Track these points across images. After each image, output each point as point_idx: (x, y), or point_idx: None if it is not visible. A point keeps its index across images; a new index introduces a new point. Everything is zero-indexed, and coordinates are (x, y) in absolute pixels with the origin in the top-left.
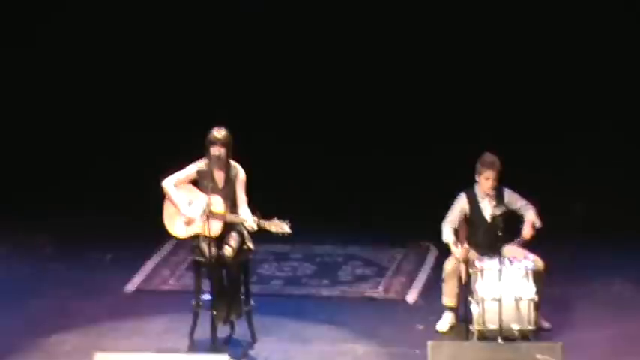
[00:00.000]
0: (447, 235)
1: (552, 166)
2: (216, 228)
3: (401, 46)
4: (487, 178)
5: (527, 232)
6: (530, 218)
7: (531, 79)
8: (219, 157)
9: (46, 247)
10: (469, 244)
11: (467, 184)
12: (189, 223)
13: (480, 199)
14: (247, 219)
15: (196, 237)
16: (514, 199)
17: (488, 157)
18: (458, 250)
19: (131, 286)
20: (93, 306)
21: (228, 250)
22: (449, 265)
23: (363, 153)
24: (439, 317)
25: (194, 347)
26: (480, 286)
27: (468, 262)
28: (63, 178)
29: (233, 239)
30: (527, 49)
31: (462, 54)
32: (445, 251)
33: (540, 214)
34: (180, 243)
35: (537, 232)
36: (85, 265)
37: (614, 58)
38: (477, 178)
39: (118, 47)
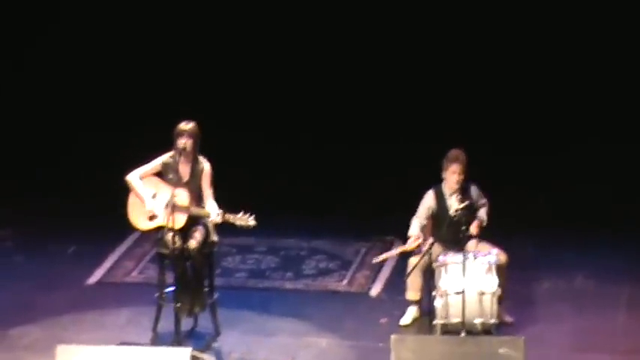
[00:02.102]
0: (412, 229)
1: (516, 161)
2: (180, 221)
3: (375, 39)
4: (453, 172)
5: (473, 229)
6: (480, 216)
7: (499, 77)
8: (185, 149)
9: (7, 240)
10: (434, 238)
11: (432, 180)
12: (152, 218)
13: (447, 196)
14: (212, 212)
15: (160, 229)
16: (478, 195)
17: (454, 151)
18: (411, 243)
19: (94, 279)
20: (55, 299)
21: (192, 243)
22: (413, 259)
23: (328, 147)
24: (403, 311)
25: (157, 340)
26: (443, 281)
27: (431, 256)
28: (25, 171)
29: (198, 232)
30: (498, 46)
31: (431, 51)
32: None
33: (504, 209)
34: (144, 235)
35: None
36: (47, 258)
37: (577, 52)
38: (443, 175)
39: (87, 41)
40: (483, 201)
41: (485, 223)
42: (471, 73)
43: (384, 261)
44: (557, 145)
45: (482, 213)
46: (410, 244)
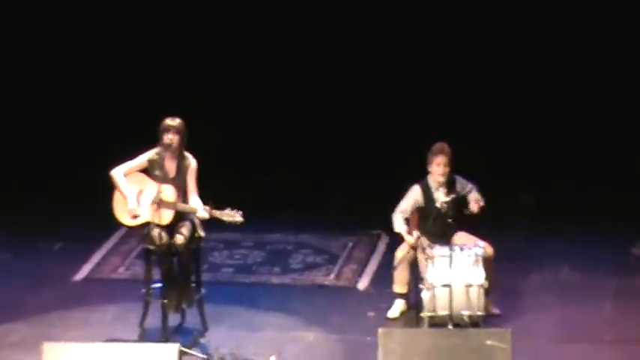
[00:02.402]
0: (399, 225)
1: (503, 154)
2: (167, 216)
3: (361, 36)
4: (438, 165)
5: (473, 206)
6: (475, 197)
7: (489, 73)
8: (171, 145)
9: None
10: (420, 231)
11: (418, 174)
12: (135, 217)
13: (433, 190)
14: (198, 208)
15: (147, 225)
16: (463, 184)
17: (438, 144)
18: (411, 238)
19: (80, 276)
20: (42, 296)
21: (179, 239)
22: (400, 252)
23: (315, 142)
24: (390, 304)
25: (145, 336)
26: (430, 274)
27: (417, 249)
28: (11, 168)
29: (184, 227)
30: (483, 40)
31: (416, 48)
32: (396, 239)
33: (491, 202)
34: (131, 231)
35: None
36: (34, 256)
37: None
38: (429, 169)
39: (71, 37)
40: (470, 186)
41: (482, 202)
42: (460, 69)
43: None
44: (543, 139)
45: (475, 194)
46: (409, 240)
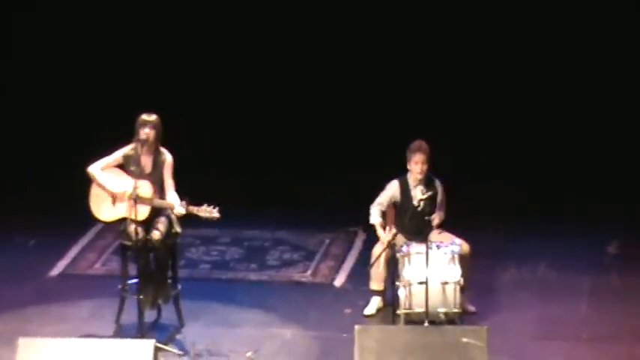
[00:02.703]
0: (375, 217)
1: (479, 153)
2: (143, 212)
3: (345, 34)
4: (416, 162)
5: (435, 219)
6: (439, 214)
7: (465, 68)
8: (147, 140)
9: None
10: (397, 228)
11: (397, 172)
12: (120, 199)
13: (411, 187)
14: (175, 204)
15: (123, 221)
16: (442, 195)
17: (416, 142)
18: (384, 234)
19: (56, 271)
20: (17, 291)
21: (156, 234)
22: (377, 250)
23: (293, 139)
24: (367, 301)
25: (120, 332)
26: (407, 271)
27: (394, 246)
28: None
29: (161, 223)
30: (465, 37)
31: (398, 47)
32: (373, 236)
33: (467, 199)
34: (107, 227)
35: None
36: (10, 251)
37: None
38: (408, 167)
39: (53, 37)
40: (440, 204)
41: (442, 219)
42: (440, 67)
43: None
44: (520, 136)
45: (440, 212)
46: (386, 236)
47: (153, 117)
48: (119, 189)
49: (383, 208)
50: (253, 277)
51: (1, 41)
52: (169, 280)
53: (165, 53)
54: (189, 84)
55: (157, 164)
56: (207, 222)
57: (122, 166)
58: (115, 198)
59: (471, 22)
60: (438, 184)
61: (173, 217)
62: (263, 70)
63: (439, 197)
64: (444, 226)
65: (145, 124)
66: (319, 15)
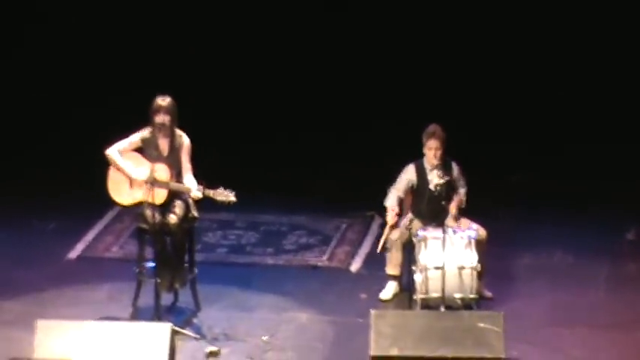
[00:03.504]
0: (390, 200)
1: (495, 137)
2: (160, 196)
3: (351, 26)
4: (430, 148)
5: (452, 208)
6: (459, 196)
7: (478, 57)
8: (163, 125)
9: None
10: (413, 213)
11: (414, 157)
12: (139, 185)
13: (427, 171)
14: (192, 187)
15: (140, 204)
16: (459, 175)
17: (431, 127)
18: (391, 217)
19: (74, 254)
20: (35, 274)
21: (172, 218)
22: (394, 234)
23: (311, 126)
24: (383, 286)
25: (137, 316)
26: (423, 256)
27: (410, 230)
28: (5, 149)
29: (178, 207)
30: (478, 31)
31: (407, 36)
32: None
33: (483, 185)
34: (125, 210)
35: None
36: (28, 234)
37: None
38: (424, 151)
39: (64, 24)
40: (462, 182)
41: (463, 205)
42: (454, 57)
43: (385, 243)
44: (542, 127)
45: (462, 193)
46: (391, 220)
47: (167, 101)
48: (136, 174)
49: (400, 194)
50: (270, 261)
51: (19, 31)
52: (186, 264)
53: (184, 40)
54: (206, 69)
55: (175, 147)
56: (224, 206)
57: (140, 149)
58: (132, 182)
59: (491, 20)
60: (454, 166)
61: (190, 201)
62: (277, 62)
63: (456, 178)
64: (466, 203)
65: (160, 109)
66: (335, 6)
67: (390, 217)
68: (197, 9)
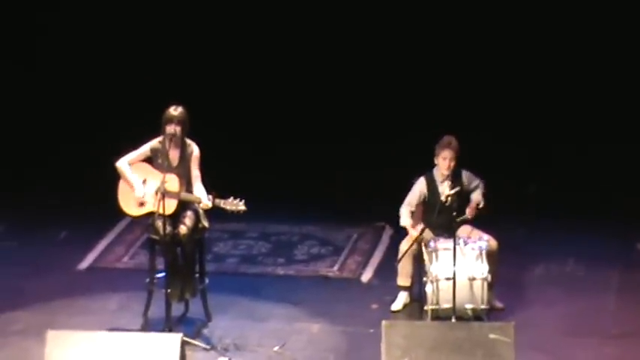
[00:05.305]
0: (405, 219)
1: (508, 149)
2: (170, 206)
3: (359, 30)
4: (444, 158)
5: (469, 212)
6: (476, 198)
7: (492, 67)
8: (174, 135)
9: None
10: (424, 224)
11: (423, 169)
12: (142, 204)
13: (438, 182)
14: (202, 197)
15: (151, 215)
16: (470, 179)
17: (446, 137)
18: (415, 232)
19: (85, 264)
20: (46, 284)
21: (183, 229)
22: (404, 245)
23: (323, 136)
24: (394, 297)
25: (148, 326)
26: (434, 266)
27: (422, 242)
28: (16, 157)
29: (188, 217)
30: (489, 36)
31: (415, 43)
32: (400, 231)
33: (494, 194)
34: (135, 221)
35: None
36: (39, 243)
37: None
38: (435, 161)
39: (72, 36)
40: (476, 182)
41: (482, 204)
42: (464, 61)
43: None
44: (551, 134)
45: (477, 194)
46: (413, 234)
47: (179, 111)
48: (138, 191)
49: (412, 208)
50: (281, 271)
51: (31, 43)
52: (197, 275)
53: (193, 48)
54: (214, 80)
55: (184, 157)
56: (234, 215)
57: (149, 159)
58: (138, 201)
59: (508, 22)
60: (463, 176)
61: (201, 211)
62: (289, 71)
63: (467, 184)
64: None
65: (172, 119)
66: (348, 10)
67: (413, 232)
68: (211, 22)
